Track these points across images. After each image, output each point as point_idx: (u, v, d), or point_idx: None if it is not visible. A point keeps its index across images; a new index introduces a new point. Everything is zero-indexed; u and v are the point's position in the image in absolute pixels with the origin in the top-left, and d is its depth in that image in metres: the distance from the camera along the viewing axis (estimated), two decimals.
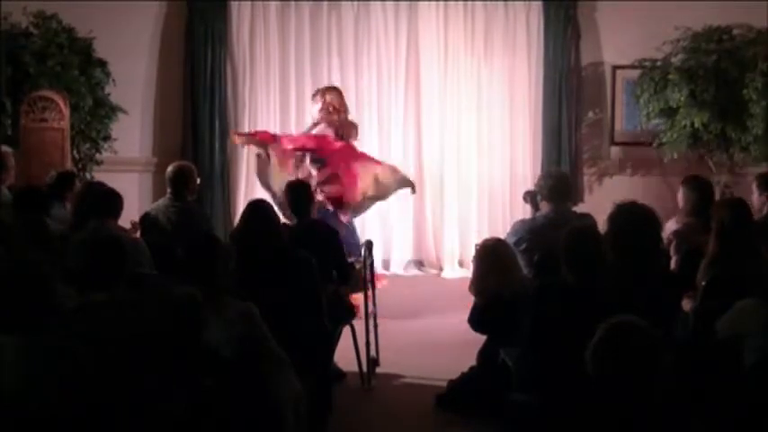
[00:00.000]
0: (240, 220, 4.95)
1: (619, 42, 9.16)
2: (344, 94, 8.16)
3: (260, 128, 8.76)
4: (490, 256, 5.19)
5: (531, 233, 5.60)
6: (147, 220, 5.97)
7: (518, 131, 9.32)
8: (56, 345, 3.14)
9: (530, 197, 6.21)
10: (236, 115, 9.20)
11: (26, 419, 2.99)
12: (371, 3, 9.16)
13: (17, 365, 3.10)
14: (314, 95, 8.05)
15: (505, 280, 5.06)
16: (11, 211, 5.48)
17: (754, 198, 5.84)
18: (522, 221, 5.95)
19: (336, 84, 9.03)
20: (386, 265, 9.15)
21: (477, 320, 5.15)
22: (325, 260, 5.10)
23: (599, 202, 8.40)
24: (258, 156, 7.74)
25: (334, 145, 7.68)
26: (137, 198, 8.44)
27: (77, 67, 8.29)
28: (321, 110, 7.86)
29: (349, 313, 5.63)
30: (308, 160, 7.63)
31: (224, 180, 9.15)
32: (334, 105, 7.87)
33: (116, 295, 3.59)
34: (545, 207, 5.79)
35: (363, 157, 7.75)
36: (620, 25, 9.15)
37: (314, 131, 7.86)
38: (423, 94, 9.26)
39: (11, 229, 4.91)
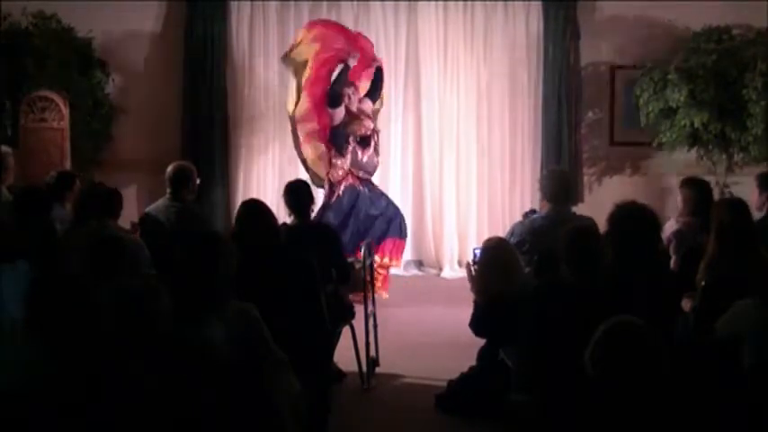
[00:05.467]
0: (235, 221, 4.94)
1: (619, 42, 9.16)
2: None
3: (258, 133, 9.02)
4: (493, 255, 5.18)
5: (532, 234, 5.59)
6: (146, 221, 5.97)
7: (518, 131, 9.32)
8: (64, 343, 3.14)
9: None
10: (235, 115, 9.20)
11: (30, 417, 3.00)
12: (371, 3, 9.17)
13: (30, 362, 3.12)
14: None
15: (508, 280, 5.04)
16: (11, 211, 5.48)
17: (754, 198, 5.84)
18: (522, 223, 5.94)
19: None
20: None
21: (477, 324, 5.12)
22: (324, 260, 5.10)
23: (599, 202, 8.41)
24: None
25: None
26: (136, 198, 8.45)
27: (77, 67, 8.29)
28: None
29: (349, 313, 5.64)
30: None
31: (224, 180, 9.15)
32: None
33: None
34: (545, 207, 5.79)
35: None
36: (620, 25, 9.15)
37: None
38: (422, 94, 9.26)
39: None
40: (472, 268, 5.26)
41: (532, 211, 6.31)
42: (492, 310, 5.00)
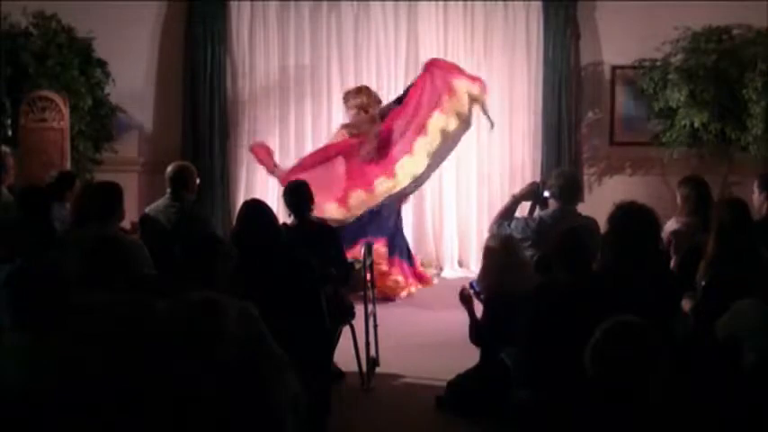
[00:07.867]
0: (236, 221, 4.94)
1: (619, 42, 9.17)
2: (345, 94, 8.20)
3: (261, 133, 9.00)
4: (498, 252, 5.14)
5: (538, 233, 5.57)
6: (146, 221, 5.97)
7: (518, 131, 9.32)
8: (62, 344, 3.14)
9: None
10: (236, 115, 9.20)
11: (27, 418, 2.99)
12: (371, 3, 9.16)
13: (26, 362, 3.11)
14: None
15: (516, 277, 4.98)
16: (11, 210, 5.49)
17: (755, 198, 5.84)
18: (526, 220, 5.86)
19: (337, 83, 9.05)
20: None
21: (479, 330, 5.10)
22: (324, 260, 5.10)
23: (599, 202, 8.39)
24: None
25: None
26: (136, 198, 8.44)
27: (77, 67, 8.29)
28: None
29: (349, 313, 5.64)
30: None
31: (224, 180, 9.15)
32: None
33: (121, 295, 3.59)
34: (553, 206, 5.77)
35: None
36: (620, 25, 9.15)
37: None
38: None
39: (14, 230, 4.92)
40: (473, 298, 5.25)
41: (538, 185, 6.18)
42: (499, 310, 4.96)
